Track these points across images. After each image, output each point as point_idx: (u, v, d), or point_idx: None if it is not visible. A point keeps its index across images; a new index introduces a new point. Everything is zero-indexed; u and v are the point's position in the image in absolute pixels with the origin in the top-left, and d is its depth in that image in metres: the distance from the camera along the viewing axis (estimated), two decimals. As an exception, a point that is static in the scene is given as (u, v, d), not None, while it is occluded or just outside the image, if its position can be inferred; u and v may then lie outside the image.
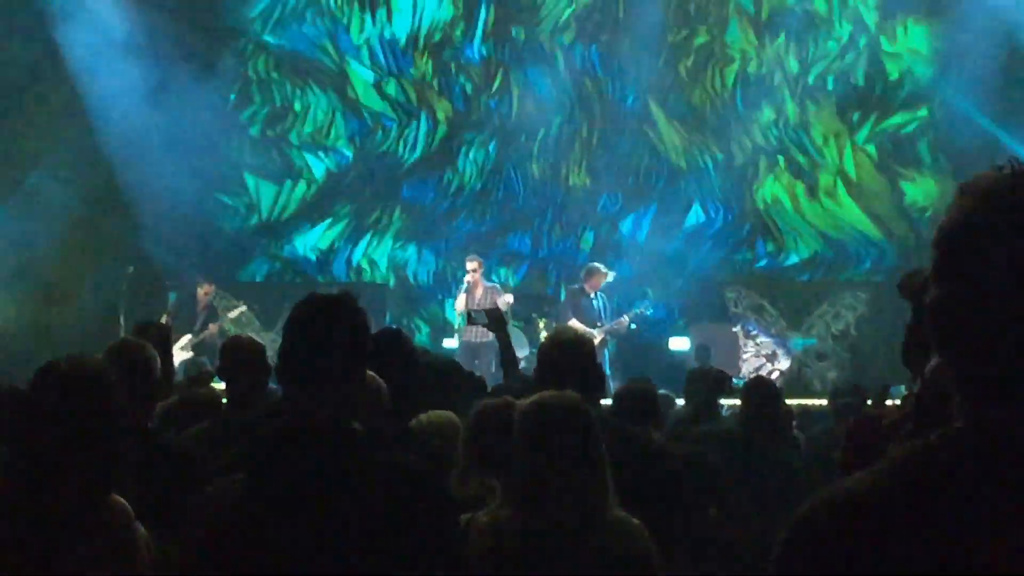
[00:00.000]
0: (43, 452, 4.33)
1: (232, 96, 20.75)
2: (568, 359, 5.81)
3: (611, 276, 18.19)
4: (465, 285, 17.99)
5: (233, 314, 18.09)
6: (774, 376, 17.40)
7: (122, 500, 4.47)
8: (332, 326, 4.04)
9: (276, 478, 3.92)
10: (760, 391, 8.47)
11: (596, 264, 18.34)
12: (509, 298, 17.42)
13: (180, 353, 16.50)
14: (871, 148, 20.39)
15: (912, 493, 2.00)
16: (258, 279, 21.13)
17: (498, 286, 18.48)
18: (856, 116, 20.42)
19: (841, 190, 20.33)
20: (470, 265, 18.08)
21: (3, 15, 18.29)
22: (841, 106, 20.40)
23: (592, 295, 17.81)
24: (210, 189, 20.66)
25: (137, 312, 16.88)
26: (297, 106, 21.09)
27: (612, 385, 14.37)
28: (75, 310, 18.32)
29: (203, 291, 18.19)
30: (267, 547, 3.87)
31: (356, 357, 4.08)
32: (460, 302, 18.00)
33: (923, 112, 20.22)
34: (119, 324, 16.90)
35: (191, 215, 20.04)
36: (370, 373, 4.99)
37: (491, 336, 16.98)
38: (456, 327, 18.25)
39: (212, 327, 17.84)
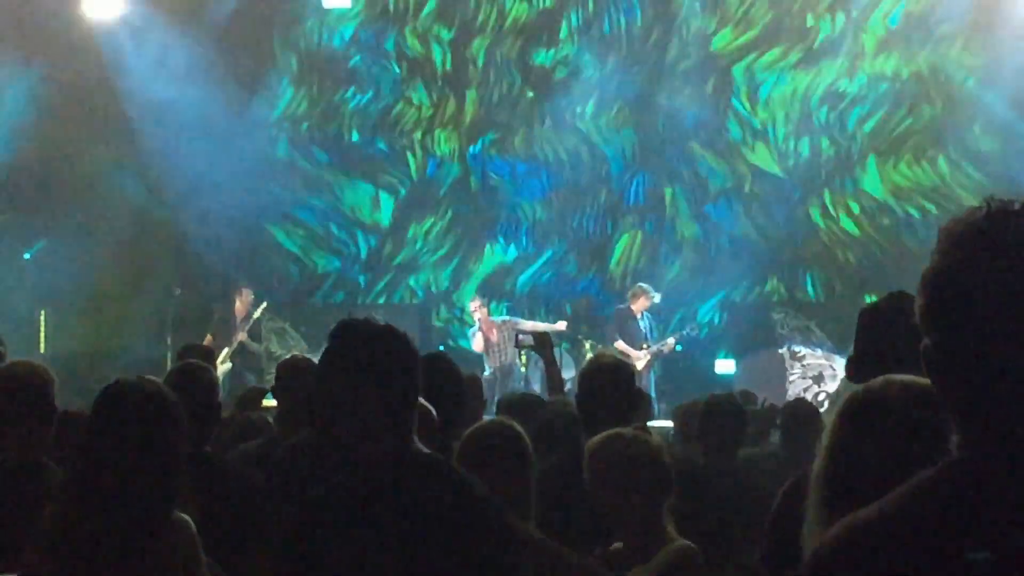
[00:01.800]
0: (104, 473, 4.40)
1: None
2: (607, 383, 5.98)
3: (657, 298, 18.27)
4: (476, 325, 18.35)
5: (256, 313, 18.24)
6: (820, 397, 17.36)
7: (186, 517, 4.57)
8: (381, 364, 4.13)
9: (345, 503, 4.12)
10: (797, 413, 8.45)
11: (643, 285, 18.42)
12: (527, 325, 17.50)
13: (220, 367, 16.67)
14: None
15: (921, 519, 2.07)
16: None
17: (508, 319, 18.70)
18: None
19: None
20: (472, 306, 18.63)
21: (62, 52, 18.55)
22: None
23: (639, 316, 17.92)
24: (258, 216, 20.86)
25: (184, 333, 17.07)
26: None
27: (658, 407, 14.44)
28: (125, 333, 18.44)
29: (240, 300, 18.42)
30: (338, 567, 4.07)
31: (410, 389, 4.19)
32: (477, 342, 18.38)
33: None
34: (167, 345, 17.07)
35: (238, 235, 20.32)
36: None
37: (515, 360, 17.34)
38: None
39: (241, 335, 18.13)
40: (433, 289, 21.29)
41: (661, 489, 4.97)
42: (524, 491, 4.90)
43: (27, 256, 18.98)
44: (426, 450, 4.18)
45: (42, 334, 18.52)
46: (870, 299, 18.94)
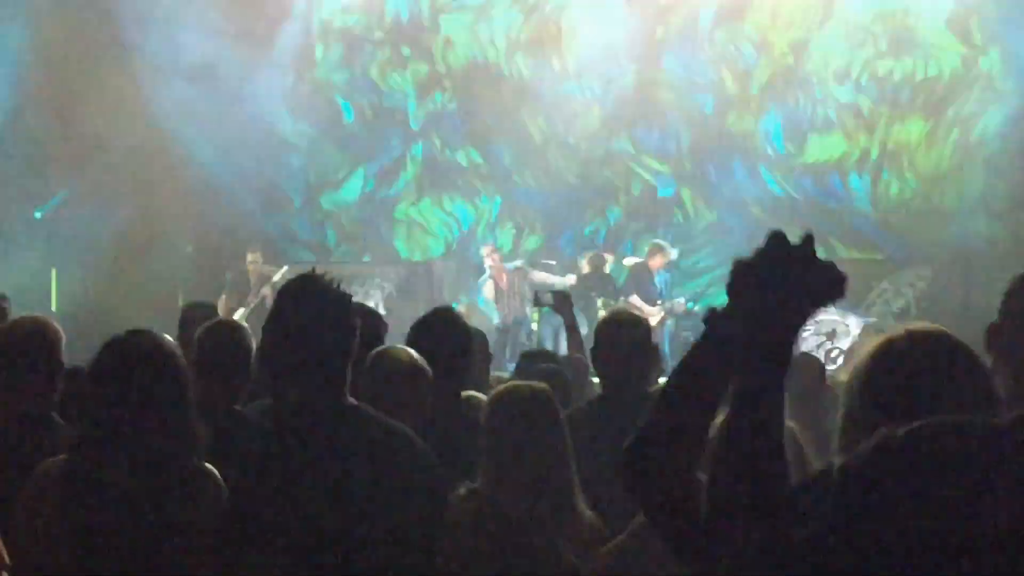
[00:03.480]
0: (106, 424, 4.50)
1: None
2: (623, 338, 5.97)
3: (674, 254, 18.42)
4: (488, 271, 18.34)
5: (276, 277, 18.20)
6: (834, 354, 17.34)
7: (211, 468, 4.64)
8: (304, 314, 4.31)
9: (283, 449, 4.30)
10: (802, 368, 8.22)
11: (660, 242, 18.55)
12: (539, 276, 17.55)
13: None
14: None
15: (987, 454, 2.15)
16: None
17: (520, 265, 18.75)
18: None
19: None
20: (484, 251, 18.60)
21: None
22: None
23: (655, 273, 17.95)
24: (267, 168, 20.86)
25: (194, 292, 17.10)
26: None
27: (670, 363, 14.41)
28: (136, 291, 18.47)
29: (250, 259, 18.48)
30: (279, 500, 4.21)
31: (333, 341, 4.32)
32: (488, 289, 18.41)
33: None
34: (178, 304, 17.09)
35: (250, 193, 20.30)
36: (415, 357, 5.30)
37: (525, 312, 17.38)
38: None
39: (265, 291, 18.06)
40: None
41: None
42: (560, 449, 4.93)
43: (38, 215, 19.06)
44: (354, 402, 4.35)
45: (53, 292, 18.60)
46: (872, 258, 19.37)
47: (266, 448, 4.43)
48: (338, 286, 4.38)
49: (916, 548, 2.12)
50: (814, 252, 2.36)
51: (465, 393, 5.99)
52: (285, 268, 18.42)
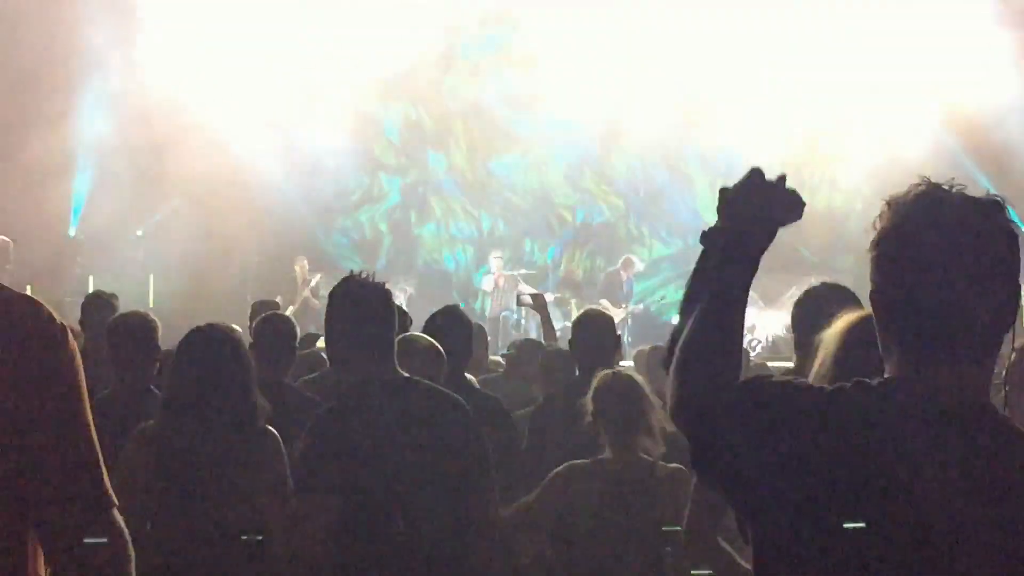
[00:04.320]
0: (187, 393, 4.55)
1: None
2: (595, 329, 5.99)
3: (641, 266, 18.66)
4: (491, 269, 18.53)
5: (313, 282, 18.25)
6: (754, 344, 17.27)
7: (273, 431, 4.67)
8: (364, 301, 4.27)
9: (361, 415, 4.19)
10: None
11: (631, 256, 18.75)
12: (525, 288, 17.55)
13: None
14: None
15: (854, 410, 2.13)
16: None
17: (516, 275, 18.72)
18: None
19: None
20: (494, 255, 18.72)
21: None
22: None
23: (625, 280, 18.01)
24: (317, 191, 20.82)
25: (260, 293, 17.13)
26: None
27: (629, 352, 14.46)
28: (213, 292, 18.49)
29: (299, 267, 18.38)
30: (356, 462, 4.11)
31: (387, 326, 4.29)
32: (487, 283, 18.56)
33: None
34: (247, 303, 17.07)
35: (304, 215, 20.27)
36: (433, 342, 5.28)
37: (510, 311, 17.40)
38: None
39: (305, 292, 18.07)
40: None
41: None
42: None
43: (139, 233, 19.08)
44: (405, 375, 4.32)
45: (150, 294, 18.60)
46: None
47: (336, 413, 4.31)
48: (376, 280, 4.34)
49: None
50: (784, 183, 2.36)
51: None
52: (319, 276, 18.42)
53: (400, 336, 5.15)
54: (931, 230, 2.11)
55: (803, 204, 2.35)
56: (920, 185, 2.17)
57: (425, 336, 5.42)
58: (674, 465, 4.77)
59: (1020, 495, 2.04)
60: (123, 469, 4.39)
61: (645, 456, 4.79)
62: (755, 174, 2.37)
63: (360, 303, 4.27)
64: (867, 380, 2.17)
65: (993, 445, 2.08)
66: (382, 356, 4.25)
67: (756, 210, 2.35)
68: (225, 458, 4.50)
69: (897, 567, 2.04)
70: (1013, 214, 2.20)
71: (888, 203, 2.19)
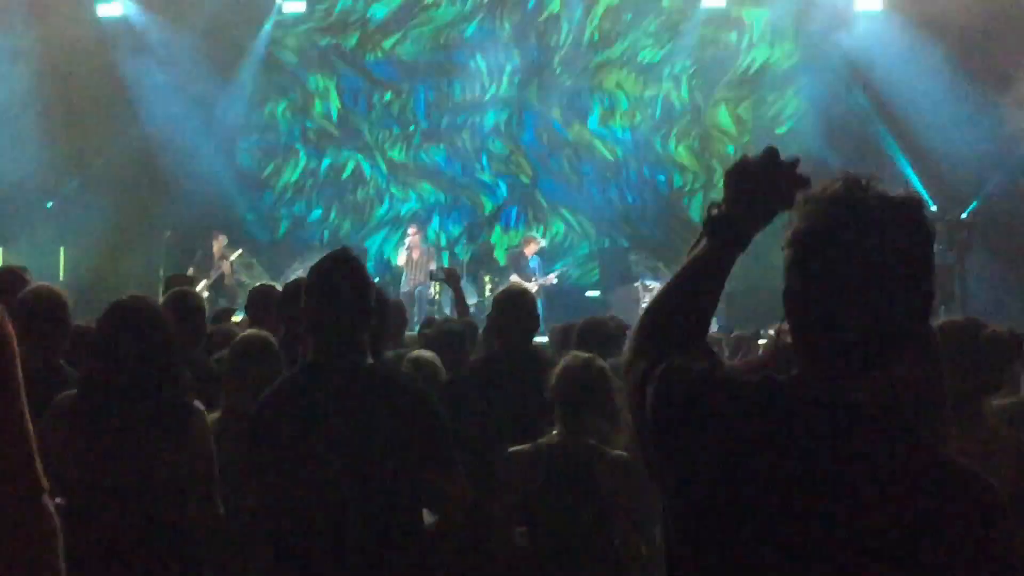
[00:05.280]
0: (111, 366, 4.41)
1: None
2: (517, 307, 5.90)
3: (543, 243, 18.60)
4: (406, 244, 18.27)
5: (232, 257, 18.06)
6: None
7: (200, 407, 4.59)
8: (340, 283, 4.06)
9: (307, 401, 4.02)
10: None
11: (532, 234, 18.80)
12: (433, 266, 17.51)
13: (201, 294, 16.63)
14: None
15: (764, 405, 2.09)
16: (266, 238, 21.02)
17: (431, 248, 18.72)
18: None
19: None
20: (411, 230, 18.47)
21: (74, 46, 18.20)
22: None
23: (528, 258, 17.97)
24: (229, 171, 20.59)
25: (172, 267, 17.01)
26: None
27: (544, 326, 14.47)
28: (125, 266, 18.30)
29: (217, 243, 18.13)
30: (303, 446, 3.97)
31: (363, 307, 4.08)
32: (401, 257, 18.42)
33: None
34: (159, 277, 16.89)
35: (218, 190, 20.01)
36: None
37: (427, 282, 17.37)
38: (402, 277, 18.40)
39: (223, 266, 17.88)
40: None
41: None
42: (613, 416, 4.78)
43: (48, 205, 18.83)
44: (372, 362, 4.11)
45: (61, 266, 18.43)
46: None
47: (294, 390, 4.14)
48: (358, 265, 4.15)
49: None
50: (795, 168, 2.34)
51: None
52: (239, 251, 18.24)
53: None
54: (845, 235, 2.05)
55: (805, 183, 2.31)
56: (837, 182, 2.10)
57: None
58: (617, 452, 4.69)
59: (907, 498, 1.98)
60: (39, 443, 4.23)
61: (591, 441, 4.70)
62: (769, 152, 2.35)
63: (322, 283, 4.09)
64: (775, 376, 2.14)
65: (893, 449, 2.03)
66: (340, 339, 4.06)
67: (763, 191, 2.33)
68: (144, 429, 4.40)
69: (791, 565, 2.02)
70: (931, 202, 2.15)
71: (804, 201, 2.14)
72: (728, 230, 2.35)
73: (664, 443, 2.14)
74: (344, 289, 4.04)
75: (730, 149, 20.27)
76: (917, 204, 2.09)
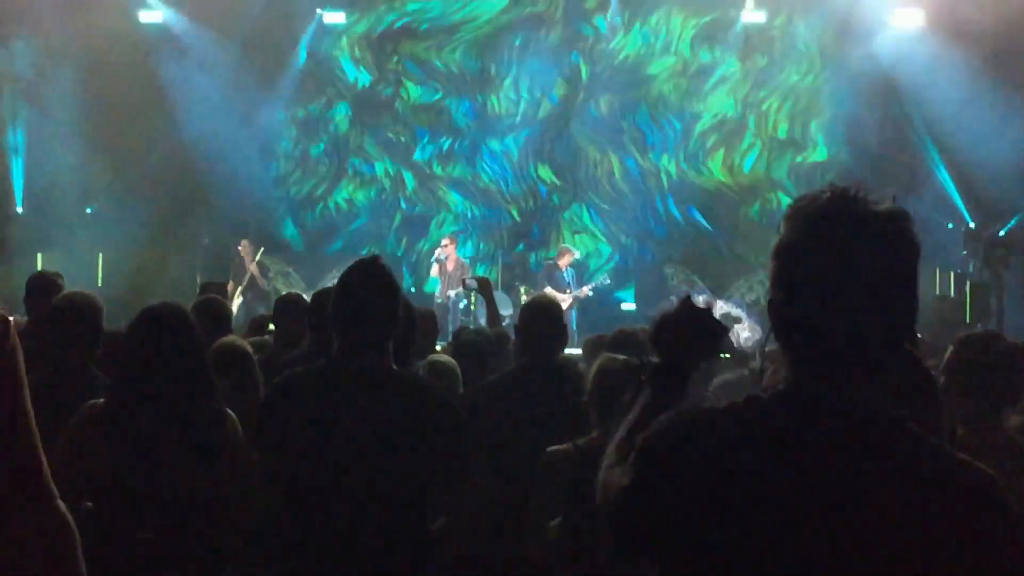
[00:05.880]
0: (141, 371, 4.42)
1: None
2: (544, 318, 5.90)
3: (578, 254, 18.52)
4: (440, 255, 18.17)
5: (258, 256, 18.11)
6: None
7: (230, 412, 4.60)
8: (368, 288, 4.10)
9: (337, 401, 4.04)
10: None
11: (567, 246, 18.65)
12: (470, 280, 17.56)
13: (236, 299, 16.87)
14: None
15: (753, 423, 2.09)
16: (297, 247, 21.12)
17: (466, 261, 18.64)
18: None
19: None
20: (444, 241, 18.38)
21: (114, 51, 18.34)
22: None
23: (563, 269, 17.97)
24: (266, 180, 20.71)
25: (208, 273, 17.13)
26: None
27: (576, 338, 14.48)
28: (163, 272, 18.39)
29: (242, 247, 18.13)
30: (327, 444, 4.00)
31: (389, 311, 4.11)
32: (435, 269, 18.29)
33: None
34: (197, 283, 16.99)
35: (256, 198, 20.14)
36: None
37: (457, 293, 17.36)
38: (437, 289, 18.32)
39: (252, 267, 17.92)
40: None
41: None
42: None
43: (88, 211, 18.87)
44: (390, 366, 4.13)
45: (99, 272, 18.54)
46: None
47: (307, 383, 4.18)
48: (386, 271, 4.17)
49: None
50: (711, 317, 2.54)
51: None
52: (262, 249, 18.26)
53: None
54: (831, 248, 2.04)
55: (728, 334, 2.53)
56: (825, 193, 2.09)
57: None
58: None
59: (913, 505, 1.98)
60: (67, 448, 4.28)
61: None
62: (686, 307, 2.54)
63: (350, 286, 4.12)
64: (760, 395, 2.14)
65: (885, 458, 2.03)
66: (364, 341, 4.09)
67: (686, 343, 2.52)
68: (180, 440, 4.40)
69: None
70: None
71: (791, 212, 2.13)
72: (668, 378, 2.54)
73: (674, 513, 2.11)
74: (370, 293, 4.07)
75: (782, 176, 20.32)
76: (902, 217, 2.08)
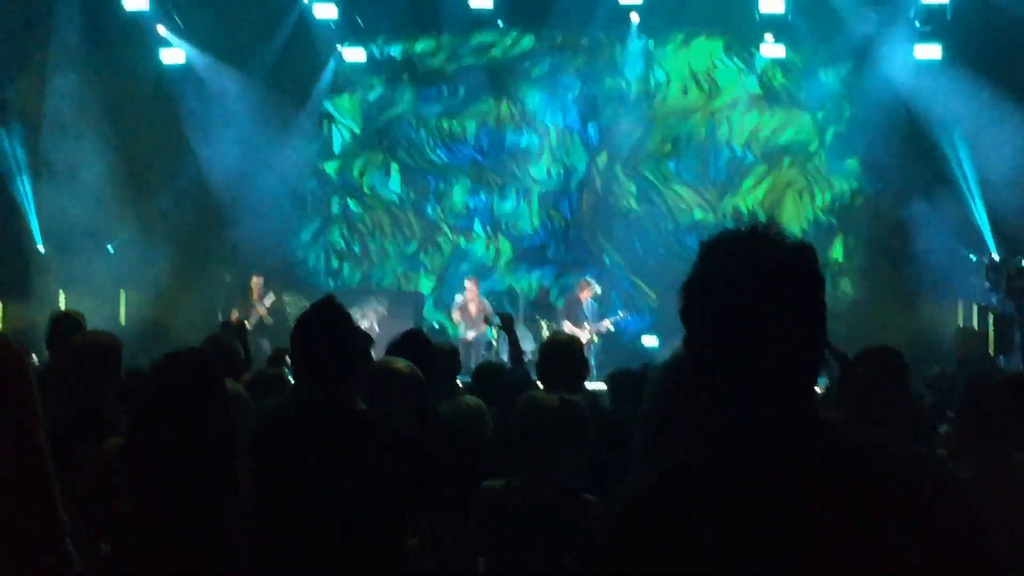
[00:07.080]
0: (162, 415, 4.29)
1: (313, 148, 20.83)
2: (563, 355, 5.93)
3: (598, 289, 18.46)
4: (461, 299, 18.27)
5: (267, 301, 18.21)
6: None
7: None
8: (317, 329, 4.17)
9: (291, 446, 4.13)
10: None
11: (588, 279, 18.60)
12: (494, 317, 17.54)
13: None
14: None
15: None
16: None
17: (487, 301, 18.63)
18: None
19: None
20: (468, 283, 18.49)
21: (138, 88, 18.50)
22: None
23: (584, 303, 17.97)
24: (291, 213, 20.84)
25: (230, 310, 17.23)
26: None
27: (596, 373, 14.48)
28: (185, 309, 18.48)
29: (254, 284, 18.25)
30: (290, 487, 4.09)
31: (343, 351, 4.17)
32: (456, 314, 18.36)
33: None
34: (218, 320, 17.04)
35: (277, 234, 20.28)
36: (410, 365, 5.10)
37: (485, 332, 17.37)
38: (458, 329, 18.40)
39: (260, 309, 18.00)
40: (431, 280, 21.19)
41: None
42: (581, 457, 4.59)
43: (110, 248, 18.98)
44: (361, 407, 4.30)
45: (122, 309, 18.62)
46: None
47: (290, 437, 4.23)
48: (341, 313, 4.23)
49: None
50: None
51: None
52: (273, 297, 18.30)
53: (380, 360, 5.07)
54: (735, 282, 2.04)
55: None
56: (739, 229, 2.11)
57: (406, 361, 5.24)
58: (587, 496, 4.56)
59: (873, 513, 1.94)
60: (87, 488, 4.30)
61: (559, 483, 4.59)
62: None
63: (305, 326, 4.18)
64: (669, 469, 2.07)
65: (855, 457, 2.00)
66: (324, 383, 4.14)
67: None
68: (198, 484, 4.28)
69: None
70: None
71: (700, 249, 2.13)
72: None
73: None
74: (322, 335, 4.13)
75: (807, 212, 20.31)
76: (808, 250, 2.09)
